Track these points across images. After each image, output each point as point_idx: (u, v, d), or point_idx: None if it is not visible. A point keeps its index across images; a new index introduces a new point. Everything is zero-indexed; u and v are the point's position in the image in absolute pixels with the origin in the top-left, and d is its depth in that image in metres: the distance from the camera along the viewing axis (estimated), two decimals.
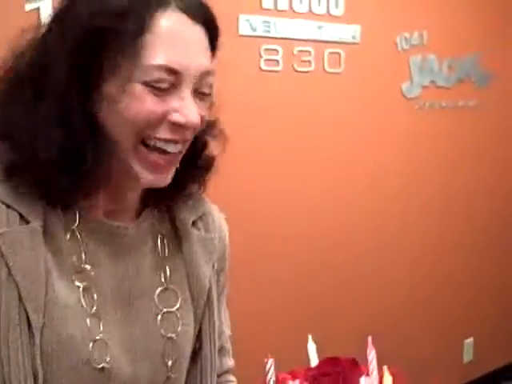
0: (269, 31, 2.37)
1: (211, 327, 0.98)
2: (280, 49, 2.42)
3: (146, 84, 0.81)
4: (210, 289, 0.98)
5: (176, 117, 0.83)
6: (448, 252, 3.19)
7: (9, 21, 1.79)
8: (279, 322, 2.50)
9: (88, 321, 0.84)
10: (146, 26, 0.80)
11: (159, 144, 0.84)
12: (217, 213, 1.05)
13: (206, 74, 0.85)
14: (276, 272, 2.49)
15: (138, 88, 0.81)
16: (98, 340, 0.84)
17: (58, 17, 0.85)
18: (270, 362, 0.73)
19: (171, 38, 0.82)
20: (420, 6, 2.91)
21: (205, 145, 1.01)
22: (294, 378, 0.76)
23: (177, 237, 0.98)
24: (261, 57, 2.37)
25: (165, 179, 0.87)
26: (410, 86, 2.94)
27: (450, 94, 3.11)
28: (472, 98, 3.22)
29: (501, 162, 3.42)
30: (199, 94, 0.86)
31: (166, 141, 0.84)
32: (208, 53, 0.87)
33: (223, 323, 1.08)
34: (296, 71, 2.49)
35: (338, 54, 2.61)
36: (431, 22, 2.95)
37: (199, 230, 0.99)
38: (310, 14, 2.49)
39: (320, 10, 2.52)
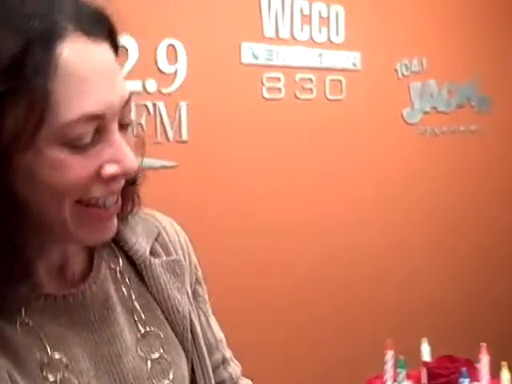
0: (271, 59, 2.38)
1: (202, 361, 0.90)
2: (282, 76, 2.42)
3: (67, 145, 0.65)
4: (190, 319, 0.89)
5: (111, 169, 0.68)
6: (452, 281, 3.16)
7: None
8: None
9: None
10: (48, 72, 0.63)
11: (96, 201, 0.71)
12: (169, 226, 0.92)
13: (128, 101, 0.71)
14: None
15: (58, 154, 0.65)
16: None
17: None
18: (391, 353, 0.75)
19: (80, 76, 0.65)
20: (419, 32, 2.93)
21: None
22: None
23: (137, 273, 0.86)
24: (263, 85, 2.37)
25: (110, 231, 0.75)
26: (410, 111, 2.94)
27: (450, 118, 3.11)
28: (473, 122, 3.22)
29: (503, 185, 3.42)
30: (123, 126, 0.71)
31: (104, 197, 0.71)
32: (120, 72, 0.72)
33: (216, 333, 0.99)
34: (298, 98, 2.49)
35: (340, 81, 2.62)
36: (430, 48, 2.97)
37: (160, 256, 0.88)
38: (311, 42, 2.51)
39: (321, 37, 2.53)
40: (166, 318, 0.85)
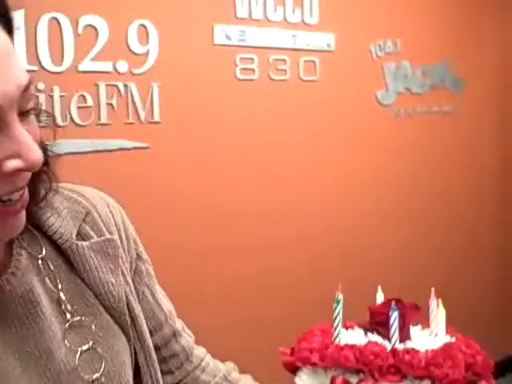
0: (244, 40, 2.37)
1: (142, 340, 0.86)
2: (255, 57, 2.43)
3: None
4: (128, 301, 0.84)
5: (13, 164, 0.63)
6: (429, 260, 3.21)
7: None
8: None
9: None
10: None
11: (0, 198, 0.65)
12: (100, 202, 0.87)
13: (27, 88, 0.64)
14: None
15: None
16: None
17: None
18: (340, 296, 0.78)
19: None
20: (393, 14, 2.94)
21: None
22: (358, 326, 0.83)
23: (64, 259, 0.80)
24: (236, 66, 2.37)
25: (18, 227, 0.69)
26: (385, 92, 2.96)
27: (424, 99, 3.14)
28: (446, 103, 3.25)
29: (476, 165, 3.46)
30: (24, 114, 0.66)
31: (9, 193, 0.65)
32: (17, 55, 0.65)
33: (165, 306, 0.96)
34: (272, 79, 2.50)
35: (313, 62, 2.63)
36: (404, 30, 2.99)
37: (89, 237, 0.82)
38: (285, 23, 2.51)
39: (294, 18, 2.53)
40: (102, 304, 0.81)
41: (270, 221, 2.54)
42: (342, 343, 0.78)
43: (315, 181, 2.69)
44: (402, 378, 0.72)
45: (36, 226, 0.79)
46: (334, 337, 0.80)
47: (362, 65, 2.84)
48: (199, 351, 1.03)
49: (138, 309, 0.87)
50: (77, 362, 0.76)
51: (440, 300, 0.83)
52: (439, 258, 3.27)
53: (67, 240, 0.79)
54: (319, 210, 2.71)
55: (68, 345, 0.76)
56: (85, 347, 0.77)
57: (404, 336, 0.79)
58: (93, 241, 0.82)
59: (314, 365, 0.76)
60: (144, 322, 0.88)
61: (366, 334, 0.82)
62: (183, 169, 2.23)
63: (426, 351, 0.74)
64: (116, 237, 0.85)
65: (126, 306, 0.83)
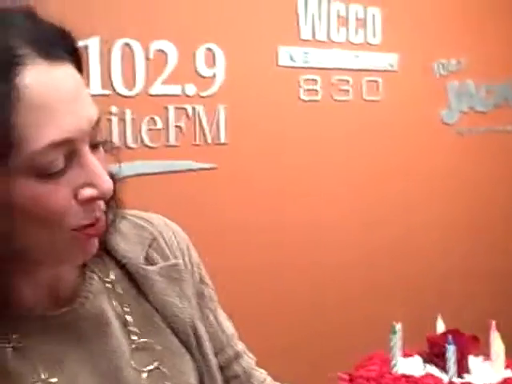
0: (308, 61, 2.39)
1: (207, 363, 0.88)
2: (319, 78, 2.44)
3: (39, 175, 0.63)
4: (193, 324, 0.87)
5: (88, 192, 0.67)
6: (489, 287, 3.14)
7: None
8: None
9: None
10: (9, 106, 0.61)
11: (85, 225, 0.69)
12: (166, 229, 0.90)
13: (97, 122, 0.68)
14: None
15: (32, 185, 0.64)
16: None
17: None
18: (398, 326, 0.78)
19: (46, 104, 0.62)
20: (456, 32, 2.91)
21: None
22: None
23: (132, 283, 0.84)
24: (300, 87, 2.39)
25: (94, 249, 0.73)
26: (448, 111, 2.93)
27: (488, 118, 3.10)
28: (510, 122, 3.19)
29: None
30: (95, 146, 0.69)
31: (89, 218, 0.69)
32: (87, 91, 0.69)
33: (227, 329, 0.98)
34: (335, 100, 2.51)
35: (376, 82, 2.62)
36: (468, 48, 2.96)
37: (155, 262, 0.85)
38: (348, 44, 2.52)
39: (358, 39, 2.54)
40: (168, 326, 0.84)
41: (333, 242, 2.54)
42: (400, 372, 0.78)
43: (378, 200, 2.68)
44: None
45: (105, 250, 0.82)
46: (392, 366, 0.79)
47: (425, 84, 2.82)
48: (260, 373, 1.05)
49: (202, 331, 0.89)
50: (142, 381, 0.78)
51: (499, 334, 0.82)
52: (498, 285, 3.19)
53: (135, 264, 0.83)
54: (382, 231, 2.69)
55: (134, 365, 0.78)
56: (150, 367, 0.79)
57: (462, 369, 0.78)
58: (159, 265, 0.85)
59: None
60: (208, 343, 0.90)
61: (424, 364, 0.81)
62: (249, 189, 2.26)
63: None
64: (181, 261, 0.88)
65: (191, 329, 0.85)
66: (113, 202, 0.79)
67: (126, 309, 0.81)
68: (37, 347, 0.73)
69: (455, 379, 0.75)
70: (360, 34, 2.55)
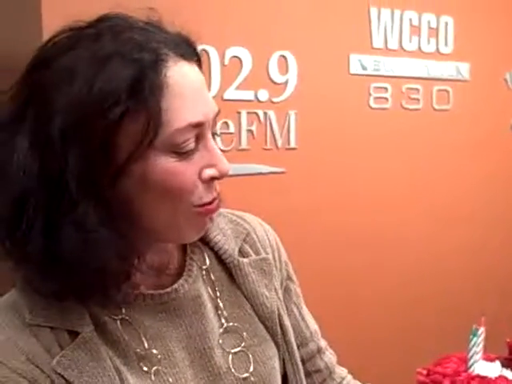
0: (379, 70, 2.42)
1: (291, 352, 0.95)
2: (389, 87, 2.46)
3: (175, 152, 0.75)
4: (279, 313, 0.94)
5: (210, 172, 0.78)
6: None
7: None
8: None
9: None
10: (161, 92, 0.73)
11: (206, 202, 0.79)
12: (258, 226, 1.00)
13: (217, 114, 0.81)
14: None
15: (168, 161, 0.75)
16: None
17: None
18: (480, 329, 0.81)
19: (184, 92, 0.75)
20: None
21: None
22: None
23: (226, 272, 0.93)
24: (370, 95, 2.42)
25: (207, 226, 0.84)
26: None
27: None
28: None
29: None
30: (213, 134, 0.81)
31: (214, 199, 0.80)
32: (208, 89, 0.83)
33: (310, 325, 1.05)
34: (404, 108, 2.52)
35: (447, 91, 2.62)
36: None
37: (248, 255, 0.94)
38: (419, 53, 2.53)
39: (429, 48, 2.55)
40: (256, 314, 0.92)
41: (406, 247, 2.54)
42: (475, 373, 0.80)
43: (447, 205, 2.67)
44: None
45: (203, 241, 0.92)
46: (469, 366, 0.82)
47: (497, 94, 2.79)
48: (341, 370, 1.10)
49: (287, 322, 0.96)
50: (230, 362, 0.87)
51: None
52: None
53: (230, 256, 0.92)
54: (453, 232, 2.68)
55: (222, 346, 0.87)
56: (236, 350, 0.88)
57: None
58: (251, 258, 0.94)
59: None
60: (292, 334, 0.96)
61: (502, 368, 0.83)
62: (318, 192, 2.29)
63: None
64: (271, 257, 0.97)
65: (277, 318, 0.92)
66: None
67: (218, 294, 0.90)
68: (141, 322, 0.82)
69: None
70: (432, 43, 2.55)
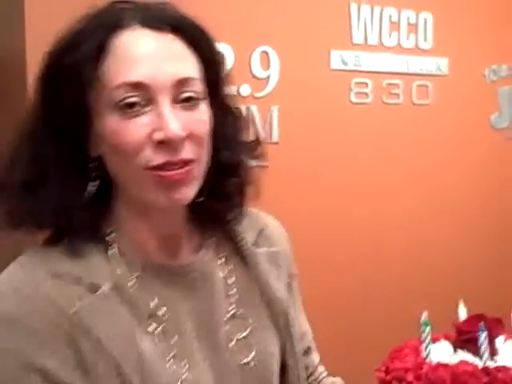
0: (359, 65, 2.46)
1: (293, 342, 0.99)
2: (370, 82, 2.50)
3: (118, 108, 0.79)
4: (286, 304, 0.99)
5: (157, 135, 0.80)
6: None
7: None
8: None
9: (168, 366, 0.85)
10: (101, 52, 0.80)
11: (160, 167, 0.81)
12: (271, 223, 1.07)
13: (184, 81, 0.82)
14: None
15: (114, 117, 0.80)
16: (184, 380, 0.85)
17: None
18: (424, 315, 0.82)
19: (129, 54, 0.80)
20: (508, 38, 2.93)
21: (236, 163, 0.96)
22: (445, 337, 0.86)
23: (241, 260, 0.98)
24: (351, 90, 2.46)
25: (184, 194, 0.83)
26: (498, 116, 2.94)
27: None
28: None
29: None
30: (183, 101, 0.82)
31: (165, 164, 0.81)
32: (188, 59, 0.84)
33: (303, 325, 1.10)
34: (385, 103, 2.56)
35: (426, 86, 2.67)
36: None
37: (262, 247, 1.00)
38: (399, 48, 2.57)
39: (408, 43, 2.59)
40: (264, 302, 0.97)
41: (385, 239, 2.59)
42: (434, 360, 0.81)
43: (427, 202, 2.72)
44: None
45: (223, 229, 0.98)
46: (425, 356, 0.83)
47: (476, 89, 2.84)
48: (322, 369, 1.16)
49: (293, 313, 1.00)
50: (232, 347, 0.91)
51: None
52: None
53: (246, 245, 0.99)
54: (429, 228, 2.73)
55: (227, 330, 0.92)
56: (239, 336, 0.92)
57: (492, 351, 0.81)
58: (265, 250, 1.00)
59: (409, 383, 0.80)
60: (296, 327, 1.01)
61: (455, 350, 0.85)
62: (300, 186, 2.33)
63: None
64: (281, 250, 1.04)
65: (284, 308, 0.97)
66: (240, 186, 0.96)
67: (231, 280, 0.96)
68: (155, 288, 0.88)
69: (489, 363, 0.79)
70: (411, 39, 2.59)
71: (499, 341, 0.85)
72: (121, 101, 0.79)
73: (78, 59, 0.80)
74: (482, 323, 0.80)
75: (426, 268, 2.71)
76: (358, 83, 2.47)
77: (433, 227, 2.75)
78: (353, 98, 2.47)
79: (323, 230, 2.40)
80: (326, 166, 2.41)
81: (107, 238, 0.88)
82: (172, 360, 0.85)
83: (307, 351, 1.11)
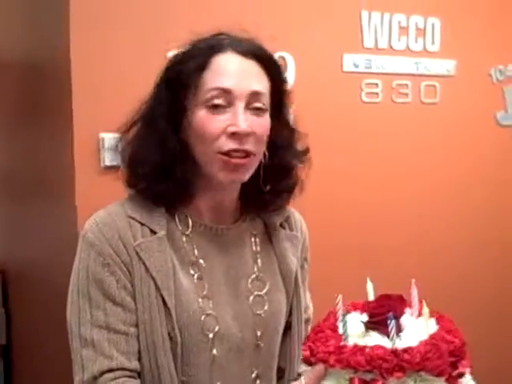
0: (370, 67, 2.65)
1: (299, 304, 1.26)
2: (380, 82, 2.69)
3: (207, 106, 1.11)
4: (296, 274, 1.25)
5: (231, 128, 1.10)
6: None
7: (152, 65, 2.18)
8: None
9: (200, 301, 1.13)
10: (204, 66, 1.13)
11: (228, 152, 1.11)
12: (297, 215, 1.34)
13: (256, 93, 1.13)
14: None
15: (202, 112, 1.11)
16: (209, 314, 1.13)
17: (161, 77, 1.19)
18: (340, 297, 0.99)
19: (222, 69, 1.12)
20: None
21: (289, 167, 1.26)
22: (355, 308, 1.03)
23: (267, 236, 1.26)
24: (362, 90, 2.66)
25: (241, 176, 1.15)
26: (504, 114, 3.10)
27: None
28: None
29: None
30: (253, 109, 1.13)
31: (233, 151, 1.11)
32: (262, 79, 1.15)
33: (307, 300, 1.35)
34: (394, 102, 2.75)
35: (434, 86, 2.84)
36: None
37: (285, 229, 1.28)
38: (408, 51, 2.75)
39: (417, 46, 2.77)
40: (280, 271, 1.25)
41: (395, 238, 2.77)
42: (351, 342, 0.91)
43: (434, 198, 2.90)
44: (404, 374, 0.86)
45: (258, 213, 1.27)
46: (344, 338, 0.93)
47: (482, 88, 3.00)
48: None
49: (301, 282, 1.28)
50: (251, 300, 1.19)
51: (424, 302, 0.97)
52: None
53: (273, 226, 1.27)
54: (432, 222, 2.91)
55: (249, 287, 1.21)
56: (257, 293, 1.21)
57: (398, 329, 0.92)
58: (287, 232, 1.29)
59: (331, 365, 0.91)
60: (303, 297, 1.28)
61: (366, 330, 0.96)
62: (312, 182, 2.52)
63: (419, 347, 0.88)
64: (299, 235, 1.32)
65: (294, 276, 1.25)
66: (288, 188, 1.26)
67: (258, 249, 1.25)
68: (199, 241, 1.18)
69: (397, 343, 0.89)
70: (419, 42, 2.77)
71: (405, 317, 0.97)
72: (210, 100, 1.10)
73: (188, 70, 1.12)
74: (390, 313, 0.91)
75: (427, 260, 2.89)
76: (368, 84, 2.67)
77: (439, 223, 2.93)
78: (364, 98, 2.67)
79: (334, 222, 2.60)
80: (340, 163, 2.61)
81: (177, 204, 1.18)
82: (202, 299, 1.13)
83: (307, 321, 1.34)
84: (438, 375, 0.87)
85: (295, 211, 1.35)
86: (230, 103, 1.10)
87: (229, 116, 1.11)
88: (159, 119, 1.14)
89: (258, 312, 1.20)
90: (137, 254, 1.10)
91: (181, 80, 1.13)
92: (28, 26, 2.53)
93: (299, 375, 1.11)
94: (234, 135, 1.10)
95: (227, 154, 1.11)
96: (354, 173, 2.67)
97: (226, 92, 1.10)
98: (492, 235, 3.09)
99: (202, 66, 1.12)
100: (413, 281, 1.02)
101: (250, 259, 1.23)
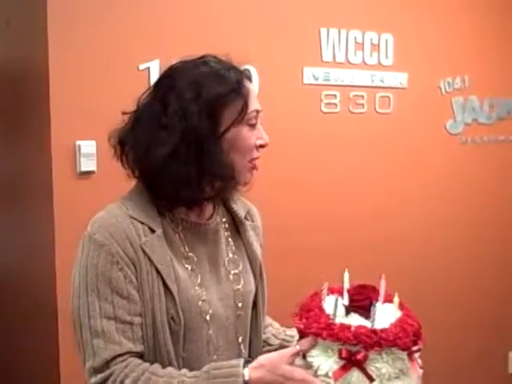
0: (329, 80, 2.84)
1: (263, 287, 1.47)
2: (338, 94, 2.88)
3: (248, 124, 1.31)
4: (260, 261, 1.46)
5: (260, 141, 1.34)
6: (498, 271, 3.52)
7: (124, 77, 2.32)
8: None
9: (196, 288, 1.32)
10: (243, 92, 1.32)
11: (254, 160, 1.34)
12: (254, 208, 1.54)
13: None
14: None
15: (246, 129, 1.32)
16: (204, 300, 1.32)
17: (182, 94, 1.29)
18: (326, 284, 1.20)
19: (252, 94, 1.33)
20: (460, 53, 3.31)
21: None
22: (332, 292, 1.25)
23: (235, 226, 1.46)
24: (321, 101, 2.84)
25: (250, 177, 1.37)
26: (453, 123, 3.33)
27: (490, 129, 3.47)
28: None
29: None
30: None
31: (256, 158, 1.35)
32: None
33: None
34: (351, 112, 2.95)
35: (388, 97, 3.05)
36: (472, 67, 3.35)
37: (248, 220, 1.48)
38: (363, 65, 2.96)
39: (372, 60, 2.98)
40: (247, 256, 1.45)
41: (349, 248, 2.95)
42: (338, 321, 1.14)
43: (385, 198, 3.09)
44: (381, 348, 1.11)
45: (226, 207, 1.47)
46: (332, 317, 1.16)
47: (432, 99, 3.23)
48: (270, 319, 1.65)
49: (263, 267, 1.49)
50: (230, 277, 1.40)
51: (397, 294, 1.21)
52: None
53: (239, 218, 1.46)
54: (383, 226, 3.10)
55: (227, 267, 1.41)
56: (234, 271, 1.41)
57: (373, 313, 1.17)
58: (250, 223, 1.49)
59: (324, 338, 1.14)
60: (265, 277, 1.50)
61: (347, 312, 1.19)
62: (275, 188, 2.70)
63: (391, 328, 1.12)
64: (259, 226, 1.53)
65: (259, 262, 1.47)
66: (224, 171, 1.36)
67: (230, 239, 1.45)
68: (187, 236, 1.36)
69: (376, 326, 1.13)
70: (374, 57, 2.98)
71: (378, 305, 1.20)
72: (252, 119, 1.31)
73: (227, 92, 1.28)
74: (374, 302, 1.17)
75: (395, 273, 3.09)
76: (327, 95, 2.86)
77: (394, 229, 3.13)
78: (323, 108, 2.85)
79: (295, 224, 2.78)
80: (300, 170, 2.80)
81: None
82: (197, 287, 1.32)
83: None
84: (404, 350, 1.13)
85: (252, 205, 1.54)
86: (255, 119, 1.32)
87: (256, 131, 1.32)
88: (206, 140, 1.26)
89: (237, 287, 1.40)
90: (143, 250, 1.26)
91: (220, 101, 1.27)
92: (6, 36, 2.63)
93: (265, 342, 1.47)
94: (261, 147, 1.33)
95: (253, 160, 1.33)
96: (314, 180, 2.85)
97: (258, 112, 1.33)
98: (443, 234, 3.31)
99: (240, 91, 1.29)
100: (383, 276, 1.24)
101: (224, 246, 1.42)
